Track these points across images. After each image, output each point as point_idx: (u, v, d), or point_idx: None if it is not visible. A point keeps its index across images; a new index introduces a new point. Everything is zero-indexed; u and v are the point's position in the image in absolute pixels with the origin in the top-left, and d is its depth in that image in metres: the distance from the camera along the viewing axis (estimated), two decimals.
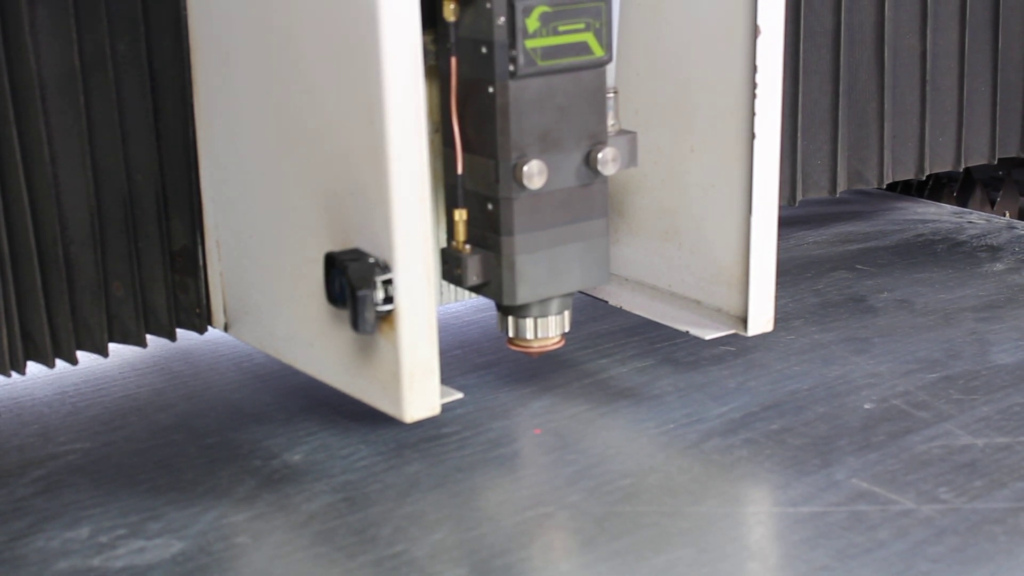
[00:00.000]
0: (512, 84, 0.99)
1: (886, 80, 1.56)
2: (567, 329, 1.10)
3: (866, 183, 1.59)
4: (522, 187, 1.01)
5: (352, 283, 0.95)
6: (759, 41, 1.08)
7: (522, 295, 1.04)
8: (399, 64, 0.92)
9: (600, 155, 1.04)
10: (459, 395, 1.02)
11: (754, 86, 1.09)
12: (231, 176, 1.12)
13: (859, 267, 1.57)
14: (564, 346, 1.13)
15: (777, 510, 1.02)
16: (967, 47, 1.60)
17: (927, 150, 1.61)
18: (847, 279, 1.53)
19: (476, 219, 1.04)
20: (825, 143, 1.55)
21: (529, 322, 1.08)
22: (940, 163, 1.64)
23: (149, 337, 1.20)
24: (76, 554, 0.98)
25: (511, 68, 0.99)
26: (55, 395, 1.25)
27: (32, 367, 1.18)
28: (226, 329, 1.18)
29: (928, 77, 1.59)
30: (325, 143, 1.00)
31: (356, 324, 0.95)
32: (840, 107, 1.54)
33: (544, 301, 1.07)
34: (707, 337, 1.15)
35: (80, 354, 1.18)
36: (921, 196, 1.91)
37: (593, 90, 1.03)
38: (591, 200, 1.05)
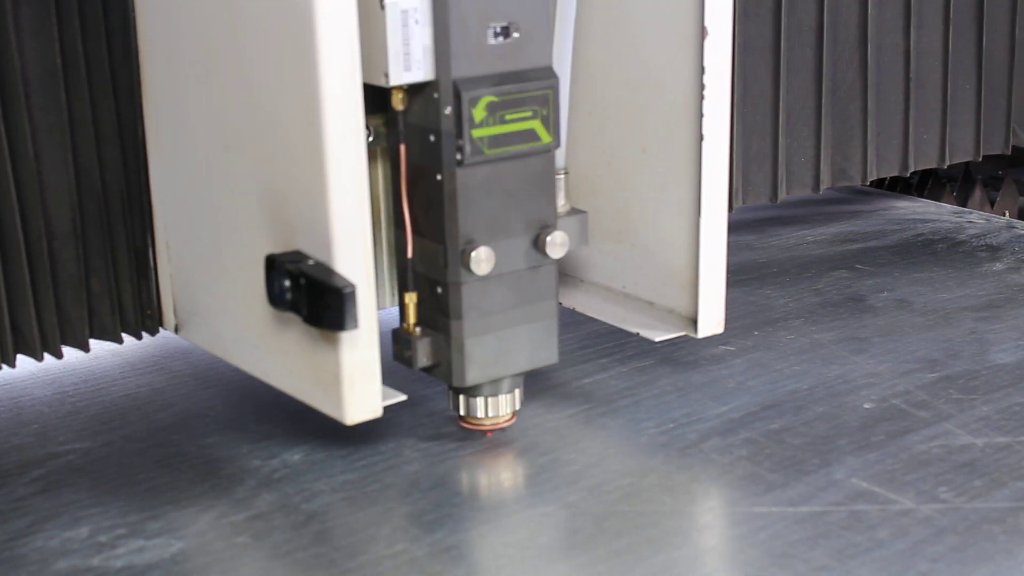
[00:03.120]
0: (460, 172, 1.00)
1: (870, 78, 1.56)
2: (518, 407, 1.11)
3: (850, 180, 1.60)
4: (470, 272, 1.02)
5: (326, 281, 0.95)
6: (707, 42, 1.08)
7: (471, 376, 1.05)
8: (336, 64, 0.93)
9: (548, 239, 1.05)
10: (402, 397, 1.02)
11: (702, 87, 1.09)
12: (179, 177, 1.12)
13: (859, 267, 1.57)
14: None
15: (776, 510, 1.02)
16: (951, 44, 1.61)
17: (911, 147, 1.62)
18: (847, 279, 1.53)
19: (426, 301, 1.05)
20: (809, 140, 1.56)
21: (480, 401, 1.09)
22: (924, 160, 1.65)
23: (125, 335, 1.21)
24: (76, 554, 0.98)
25: (458, 157, 0.99)
26: (55, 395, 1.25)
27: (30, 364, 1.18)
28: (176, 331, 1.18)
29: (912, 75, 1.60)
30: (266, 144, 1.00)
31: (342, 322, 0.95)
32: (824, 104, 1.54)
33: (494, 381, 1.08)
34: (657, 339, 1.16)
35: (77, 353, 1.18)
36: (921, 196, 1.91)
37: (541, 175, 1.04)
38: (540, 282, 1.06)
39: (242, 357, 1.10)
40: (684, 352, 1.31)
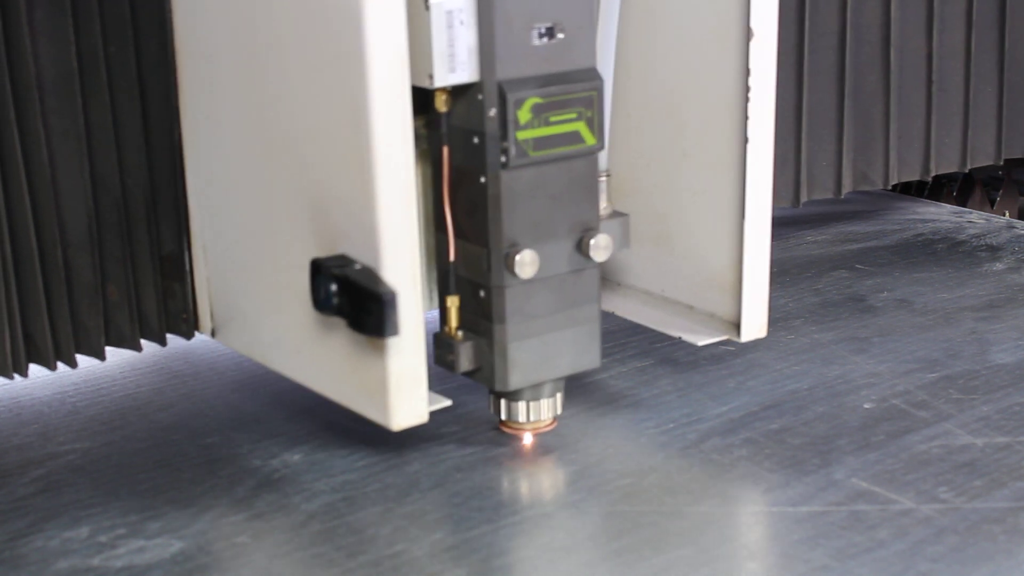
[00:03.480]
0: (504, 175, 0.99)
1: (892, 81, 1.55)
2: (559, 412, 1.11)
3: (872, 184, 1.59)
4: (514, 276, 1.01)
5: (369, 287, 0.94)
6: (752, 44, 1.07)
7: (514, 381, 1.05)
8: (385, 67, 0.91)
9: (592, 242, 1.04)
10: (447, 402, 1.01)
11: (747, 89, 1.08)
12: (217, 181, 1.11)
13: (859, 267, 1.57)
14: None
15: (776, 510, 1.02)
16: (973, 48, 1.60)
17: (932, 151, 1.61)
18: (847, 279, 1.53)
19: (468, 305, 1.04)
20: (830, 144, 1.54)
21: (522, 405, 1.08)
22: (946, 164, 1.64)
23: (143, 341, 1.21)
24: (76, 554, 0.98)
25: (503, 159, 0.99)
26: (55, 395, 1.25)
27: (33, 369, 1.18)
28: (213, 335, 1.17)
29: (934, 78, 1.59)
30: (310, 149, 0.99)
31: (383, 328, 0.93)
32: (845, 108, 1.53)
33: (536, 385, 1.08)
34: (700, 343, 1.14)
35: (79, 357, 1.18)
36: (921, 196, 1.91)
37: (585, 178, 1.04)
38: (583, 286, 1.06)
39: (282, 362, 1.09)
40: (684, 352, 1.31)
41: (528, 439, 1.12)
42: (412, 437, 1.14)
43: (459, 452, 1.12)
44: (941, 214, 1.79)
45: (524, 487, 1.07)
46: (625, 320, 1.22)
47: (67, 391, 1.26)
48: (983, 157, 1.66)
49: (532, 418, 1.09)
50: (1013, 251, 1.61)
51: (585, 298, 1.06)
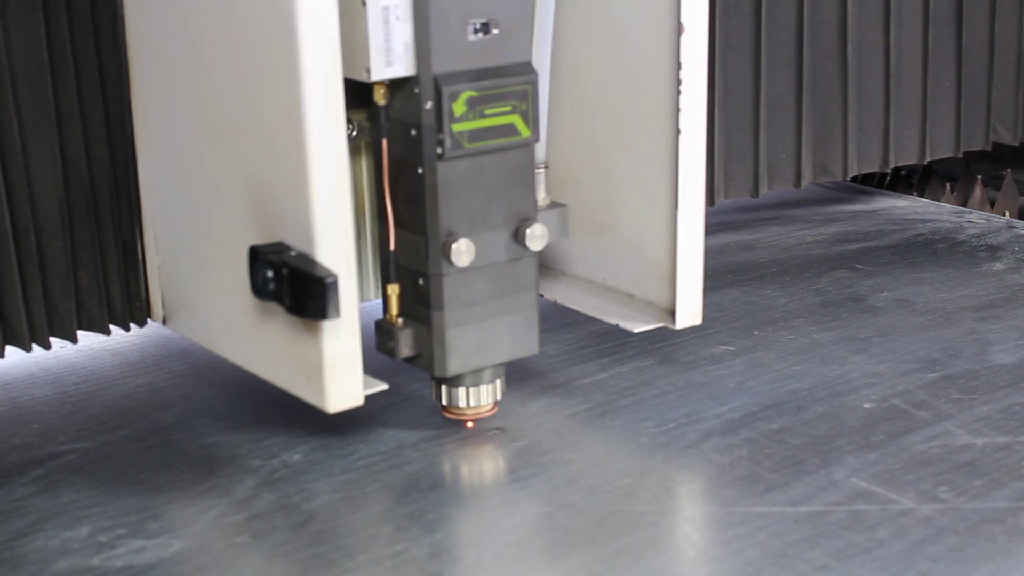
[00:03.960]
0: (440, 166, 1.02)
1: (850, 75, 1.58)
2: (499, 397, 1.13)
3: (831, 175, 1.62)
4: (451, 264, 1.03)
5: (309, 271, 0.96)
6: (683, 38, 1.10)
7: (452, 367, 1.07)
8: (317, 60, 0.94)
9: (528, 231, 1.06)
10: (384, 386, 1.03)
11: (678, 83, 1.11)
12: (166, 170, 1.14)
13: (859, 267, 1.57)
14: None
15: (776, 509, 1.02)
16: (930, 42, 1.62)
17: (891, 143, 1.64)
18: (847, 279, 1.53)
19: (408, 293, 1.07)
20: (790, 136, 1.57)
21: (462, 391, 1.11)
22: (905, 156, 1.66)
23: (113, 327, 1.22)
24: (76, 553, 0.98)
25: (439, 151, 1.01)
26: (55, 395, 1.25)
27: (29, 364, 1.19)
28: (164, 322, 1.20)
29: (892, 71, 1.61)
30: (250, 137, 1.02)
31: (324, 311, 0.96)
32: (804, 101, 1.56)
33: (476, 371, 1.10)
34: (635, 330, 1.17)
35: (77, 351, 1.19)
36: (921, 196, 1.91)
37: (521, 169, 1.06)
38: (520, 274, 1.08)
39: (228, 347, 1.12)
40: (684, 352, 1.31)
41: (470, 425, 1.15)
42: (412, 437, 1.14)
43: (459, 452, 1.12)
44: (941, 214, 1.79)
45: (524, 487, 1.07)
46: (572, 309, 1.23)
47: (67, 391, 1.26)
48: (942, 149, 1.69)
49: (472, 403, 1.11)
50: (1013, 251, 1.61)
51: (523, 286, 1.08)
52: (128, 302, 1.22)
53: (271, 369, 1.07)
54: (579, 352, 1.32)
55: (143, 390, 1.26)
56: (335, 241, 0.97)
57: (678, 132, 1.12)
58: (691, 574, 0.94)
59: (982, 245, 1.64)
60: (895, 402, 1.20)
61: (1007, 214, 1.86)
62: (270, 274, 0.99)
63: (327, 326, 0.98)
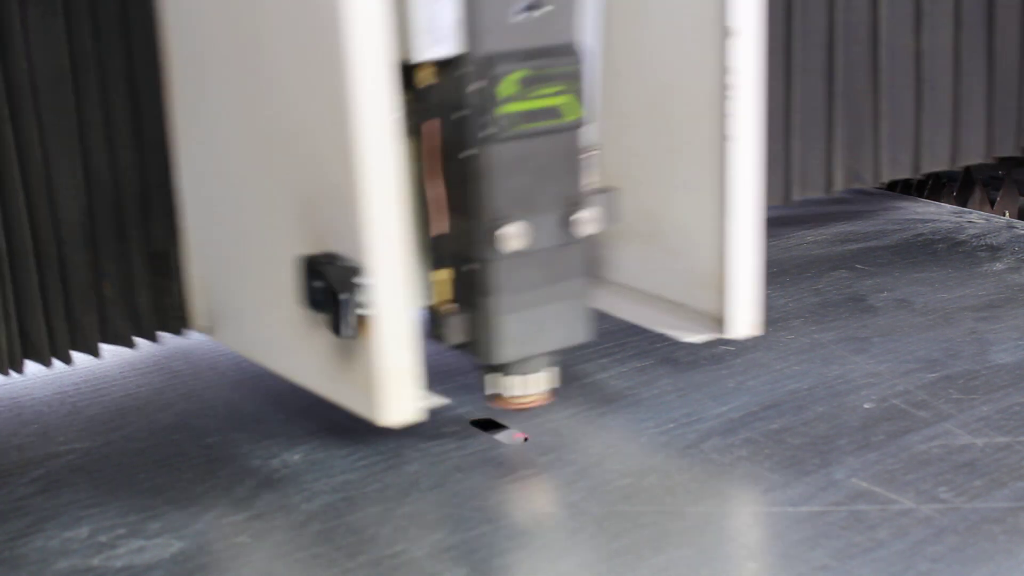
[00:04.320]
0: (488, 148, 0.99)
1: (881, 79, 1.56)
2: (554, 385, 1.11)
3: (863, 182, 1.59)
4: (500, 249, 1.01)
5: (333, 287, 0.94)
6: (730, 42, 1.07)
7: (505, 354, 1.05)
8: (366, 63, 0.91)
9: (577, 216, 1.04)
10: (446, 400, 1.02)
11: (725, 88, 1.08)
12: (208, 178, 1.11)
13: (859, 267, 1.57)
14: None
15: (776, 510, 1.02)
16: (962, 45, 1.61)
17: (923, 149, 1.61)
18: (847, 279, 1.53)
19: (457, 278, 1.05)
20: (820, 142, 1.55)
21: (514, 379, 1.08)
22: (936, 162, 1.64)
23: (136, 339, 1.21)
24: (76, 553, 0.98)
25: (486, 133, 0.99)
26: (55, 395, 1.25)
27: (31, 366, 1.18)
28: (209, 333, 1.17)
29: (923, 76, 1.59)
30: (298, 145, 0.99)
31: (338, 328, 0.95)
32: (835, 106, 1.54)
33: (527, 359, 1.07)
34: (687, 340, 1.14)
35: (75, 355, 1.18)
36: (921, 196, 1.91)
37: (570, 152, 1.04)
38: (570, 261, 1.06)
39: (275, 360, 1.09)
40: (684, 352, 1.31)
41: (518, 435, 1.12)
42: (412, 437, 1.14)
43: (459, 452, 1.12)
44: (941, 214, 1.79)
45: (524, 487, 1.07)
46: (619, 318, 1.22)
47: (67, 391, 1.26)
48: (973, 155, 1.67)
49: (523, 392, 1.09)
50: (1013, 251, 1.61)
51: (572, 273, 1.06)
52: (157, 313, 1.19)
53: (323, 383, 1.04)
54: (579, 352, 1.31)
55: (143, 390, 1.26)
56: (387, 249, 0.94)
57: (724, 138, 1.09)
58: (691, 574, 0.94)
59: (982, 245, 1.64)
60: (895, 402, 1.20)
61: (1007, 214, 1.86)
62: (319, 285, 0.96)
63: (381, 339, 0.95)
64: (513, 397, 1.09)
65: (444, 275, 1.05)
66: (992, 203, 1.88)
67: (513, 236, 1.01)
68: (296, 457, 1.12)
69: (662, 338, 1.32)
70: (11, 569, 0.96)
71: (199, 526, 1.01)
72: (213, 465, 1.11)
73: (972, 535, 0.98)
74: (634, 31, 1.18)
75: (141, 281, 1.18)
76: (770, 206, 1.64)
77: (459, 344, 1.06)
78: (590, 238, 1.07)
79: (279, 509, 1.04)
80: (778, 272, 1.55)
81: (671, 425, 1.16)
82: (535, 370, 1.08)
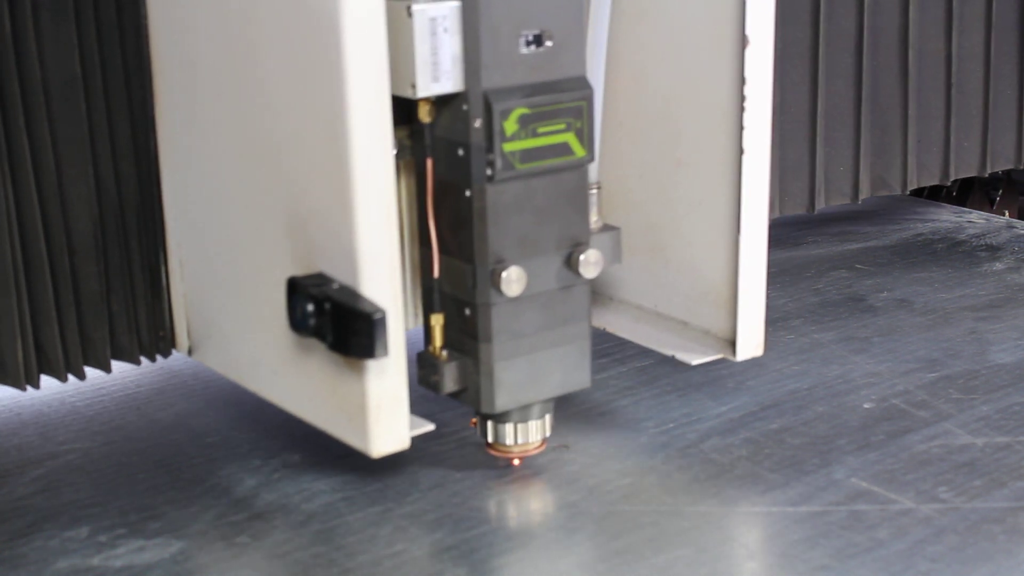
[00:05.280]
0: (490, 188, 0.95)
1: (910, 84, 1.52)
2: (548, 434, 1.06)
3: (890, 189, 1.55)
4: (500, 293, 0.97)
5: (354, 307, 0.91)
6: (747, 52, 1.03)
7: (501, 403, 1.01)
8: (363, 77, 0.88)
9: (582, 257, 1.00)
10: (430, 426, 0.98)
11: (742, 99, 1.04)
12: (193, 192, 1.07)
13: (858, 266, 1.57)
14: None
15: (776, 509, 1.02)
16: (992, 49, 1.57)
17: (952, 155, 1.57)
18: (847, 278, 1.53)
19: (453, 323, 1.00)
20: (847, 149, 1.51)
21: (509, 427, 1.04)
22: (965, 168, 1.60)
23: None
24: (76, 553, 0.98)
25: (488, 172, 0.95)
26: (55, 395, 1.25)
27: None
28: (190, 353, 1.14)
29: (953, 80, 1.56)
30: (287, 162, 0.96)
31: (372, 350, 0.90)
32: (863, 112, 1.50)
33: (524, 407, 1.04)
34: (694, 363, 1.10)
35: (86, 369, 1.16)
36: (920, 196, 1.91)
37: (574, 191, 1.00)
38: (572, 303, 1.02)
39: (259, 383, 1.06)
40: None
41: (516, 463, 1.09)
42: (412, 438, 1.14)
43: (459, 452, 1.12)
44: (941, 214, 1.79)
45: (524, 487, 1.07)
46: (622, 338, 1.20)
47: (67, 391, 1.26)
48: (1003, 160, 1.62)
49: (520, 441, 1.05)
50: (1013, 251, 1.61)
51: (575, 315, 1.02)
52: (153, 331, 1.15)
53: (308, 407, 1.01)
54: None
55: (143, 390, 1.26)
56: (381, 273, 0.91)
57: (741, 151, 1.05)
58: (691, 574, 0.94)
59: (982, 245, 1.64)
60: (895, 402, 1.20)
61: (1007, 214, 1.86)
62: (310, 308, 0.93)
63: (372, 364, 0.92)
64: (509, 446, 1.05)
65: (440, 319, 1.01)
66: (992, 203, 1.88)
67: (513, 280, 0.97)
68: (296, 457, 1.12)
69: None
70: (11, 569, 0.96)
71: (199, 526, 1.01)
72: (213, 465, 1.11)
73: (972, 535, 0.98)
74: (640, 41, 1.14)
75: (141, 296, 1.14)
76: (791, 215, 1.61)
77: (453, 392, 1.02)
78: (592, 279, 1.03)
79: (279, 509, 1.04)
80: (778, 272, 1.55)
81: (671, 425, 1.16)
82: (533, 417, 1.05)
